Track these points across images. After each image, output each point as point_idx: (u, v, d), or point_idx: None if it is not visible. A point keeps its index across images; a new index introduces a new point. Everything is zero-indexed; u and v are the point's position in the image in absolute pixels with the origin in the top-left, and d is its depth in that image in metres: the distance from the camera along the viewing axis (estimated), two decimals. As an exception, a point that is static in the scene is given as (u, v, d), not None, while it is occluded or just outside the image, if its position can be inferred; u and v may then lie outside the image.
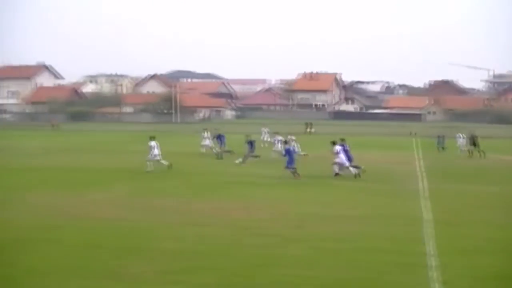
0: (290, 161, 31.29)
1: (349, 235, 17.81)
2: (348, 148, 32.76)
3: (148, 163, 33.33)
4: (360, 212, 21.84)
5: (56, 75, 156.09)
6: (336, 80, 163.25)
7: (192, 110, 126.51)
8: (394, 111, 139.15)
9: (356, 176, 30.88)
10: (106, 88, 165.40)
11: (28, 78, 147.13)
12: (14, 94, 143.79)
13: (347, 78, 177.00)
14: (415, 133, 48.24)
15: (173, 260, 14.82)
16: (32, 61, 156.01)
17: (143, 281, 13.19)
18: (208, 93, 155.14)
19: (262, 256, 15.31)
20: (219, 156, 41.57)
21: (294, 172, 31.05)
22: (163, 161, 33.82)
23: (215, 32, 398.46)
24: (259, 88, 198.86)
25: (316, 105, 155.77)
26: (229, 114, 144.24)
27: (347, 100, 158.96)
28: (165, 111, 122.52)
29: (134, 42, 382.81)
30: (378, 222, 19.93)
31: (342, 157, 31.30)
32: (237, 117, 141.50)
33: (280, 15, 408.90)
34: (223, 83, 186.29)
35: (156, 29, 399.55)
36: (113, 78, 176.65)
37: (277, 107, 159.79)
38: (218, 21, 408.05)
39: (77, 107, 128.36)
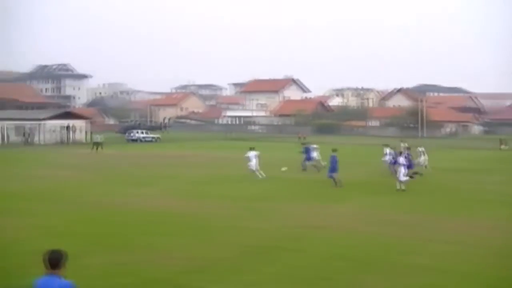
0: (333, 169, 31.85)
1: None
2: (411, 157, 32.64)
3: (256, 172, 34.84)
4: None
5: (303, 89, 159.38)
6: None
7: (439, 124, 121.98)
8: None
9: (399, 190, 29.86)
10: (352, 101, 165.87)
11: (276, 91, 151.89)
12: (262, 106, 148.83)
13: None
14: None
15: (411, 275, 14.27)
16: (280, 75, 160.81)
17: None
18: (455, 108, 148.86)
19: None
20: (305, 169, 39.83)
21: (335, 181, 31.58)
22: (259, 173, 34.85)
23: (460, 46, 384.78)
24: (508, 102, 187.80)
25: None
26: (476, 129, 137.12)
27: None
28: (411, 125, 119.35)
29: (380, 56, 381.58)
30: None
31: (403, 170, 30.37)
32: (485, 132, 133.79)
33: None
34: (471, 97, 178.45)
35: (401, 42, 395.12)
36: (359, 92, 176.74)
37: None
38: (463, 34, 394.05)
39: (323, 120, 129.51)
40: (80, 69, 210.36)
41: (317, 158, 41.07)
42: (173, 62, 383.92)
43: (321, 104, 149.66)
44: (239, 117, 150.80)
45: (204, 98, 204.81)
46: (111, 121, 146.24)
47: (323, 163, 39.46)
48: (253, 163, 35.03)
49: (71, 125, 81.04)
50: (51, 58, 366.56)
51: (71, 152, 60.65)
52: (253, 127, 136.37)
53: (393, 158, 36.74)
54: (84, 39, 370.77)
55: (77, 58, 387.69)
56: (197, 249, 16.66)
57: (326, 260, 15.60)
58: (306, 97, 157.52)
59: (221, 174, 37.57)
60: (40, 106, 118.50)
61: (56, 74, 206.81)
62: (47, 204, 24.91)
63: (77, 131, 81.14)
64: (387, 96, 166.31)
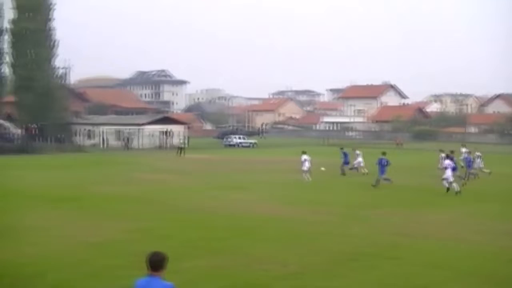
0: (382, 172, 34.07)
1: None
2: (455, 161, 33.48)
3: (304, 175, 37.40)
4: None
5: (401, 95, 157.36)
6: None
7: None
8: None
9: (457, 193, 30.25)
10: (451, 107, 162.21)
11: (374, 97, 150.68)
12: (360, 112, 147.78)
13: None
14: None
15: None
16: (378, 81, 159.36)
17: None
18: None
19: None
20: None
21: (378, 182, 33.78)
22: (306, 175, 37.31)
23: None
24: None
25: None
26: None
27: None
28: (511, 132, 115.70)
29: (480, 63, 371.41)
30: None
31: (449, 173, 30.86)
32: None
33: None
34: None
35: (500, 49, 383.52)
36: (457, 98, 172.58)
37: None
38: None
39: (421, 126, 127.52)
40: (178, 75, 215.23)
41: (361, 164, 43.10)
42: (270, 68, 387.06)
43: (419, 110, 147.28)
44: (337, 123, 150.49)
45: (301, 103, 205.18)
46: (209, 127, 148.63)
47: (365, 171, 41.83)
48: (306, 165, 37.63)
49: (169, 130, 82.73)
50: (150, 64, 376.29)
51: (169, 156, 62.03)
52: (350, 133, 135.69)
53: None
54: (182, 46, 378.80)
55: (175, 65, 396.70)
56: (292, 255, 16.68)
57: (424, 269, 15.31)
58: (404, 103, 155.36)
59: (315, 180, 37.33)
60: (139, 112, 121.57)
61: (155, 80, 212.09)
62: (146, 207, 25.55)
63: (175, 136, 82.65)
64: (486, 102, 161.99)
